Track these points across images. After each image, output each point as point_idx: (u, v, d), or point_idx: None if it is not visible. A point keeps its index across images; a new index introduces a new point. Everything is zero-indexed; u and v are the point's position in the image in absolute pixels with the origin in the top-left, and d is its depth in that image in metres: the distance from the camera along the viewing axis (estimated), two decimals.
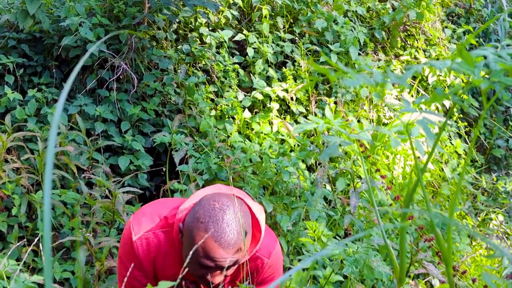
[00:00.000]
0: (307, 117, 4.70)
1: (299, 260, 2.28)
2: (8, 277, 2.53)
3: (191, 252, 1.79)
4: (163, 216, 2.24)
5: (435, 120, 4.14)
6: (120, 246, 2.24)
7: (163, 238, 2.18)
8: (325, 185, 4.06)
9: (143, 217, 2.23)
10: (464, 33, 6.19)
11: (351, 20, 5.35)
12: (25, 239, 3.30)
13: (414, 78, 5.46)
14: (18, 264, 2.46)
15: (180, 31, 4.73)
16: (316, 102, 4.77)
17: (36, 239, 2.26)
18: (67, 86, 0.78)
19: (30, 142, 3.78)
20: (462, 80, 5.38)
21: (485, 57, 1.11)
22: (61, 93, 3.24)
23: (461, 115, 5.73)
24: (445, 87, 5.37)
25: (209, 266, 2.00)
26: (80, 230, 3.26)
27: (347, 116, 4.59)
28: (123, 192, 3.24)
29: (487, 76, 1.11)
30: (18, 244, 2.32)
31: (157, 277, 2.22)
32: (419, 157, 4.77)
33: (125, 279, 2.00)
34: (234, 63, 4.62)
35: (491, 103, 1.09)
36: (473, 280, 2.48)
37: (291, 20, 5.13)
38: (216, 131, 4.19)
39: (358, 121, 4.83)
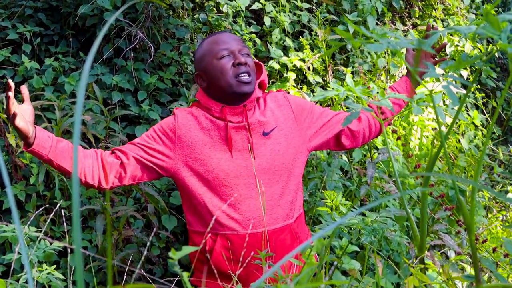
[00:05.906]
0: (324, 87, 4.68)
1: (320, 229, 2.28)
2: (29, 245, 2.56)
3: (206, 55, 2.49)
4: None
5: (456, 90, 4.11)
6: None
7: (199, 115, 2.53)
8: (341, 155, 4.05)
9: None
10: (483, 2, 6.11)
11: None
12: (43, 208, 3.32)
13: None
14: (40, 231, 2.48)
15: (197, 0, 4.70)
16: (333, 72, 4.74)
17: (55, 209, 2.28)
18: (89, 59, 0.78)
19: (47, 111, 3.79)
20: (480, 50, 5.32)
21: (510, 22, 1.09)
22: (79, 62, 3.24)
23: (478, 86, 5.68)
24: None
25: (225, 48, 2.41)
26: (98, 199, 3.27)
27: (368, 83, 4.56)
28: None
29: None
30: (36, 212, 2.34)
31: (196, 156, 2.51)
32: (435, 128, 4.74)
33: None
34: (251, 32, 4.60)
35: None
36: (494, 250, 2.47)
37: None
38: None
39: None
